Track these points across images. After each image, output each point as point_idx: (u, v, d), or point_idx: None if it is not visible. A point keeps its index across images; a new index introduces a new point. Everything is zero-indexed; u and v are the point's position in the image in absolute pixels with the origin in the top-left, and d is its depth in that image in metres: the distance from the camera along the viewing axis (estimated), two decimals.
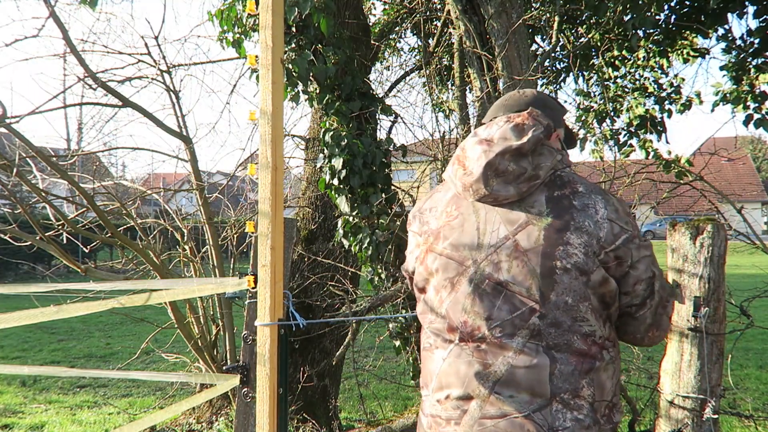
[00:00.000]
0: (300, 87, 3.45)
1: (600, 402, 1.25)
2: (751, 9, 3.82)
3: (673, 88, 5.15)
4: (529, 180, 1.27)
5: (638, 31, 3.99)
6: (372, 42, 4.23)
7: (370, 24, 4.86)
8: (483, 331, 1.26)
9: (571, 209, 1.24)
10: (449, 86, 4.89)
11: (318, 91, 3.42)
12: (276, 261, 1.88)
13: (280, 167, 1.89)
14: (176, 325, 4.22)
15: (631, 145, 5.03)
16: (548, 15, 4.14)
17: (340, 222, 3.57)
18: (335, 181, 3.43)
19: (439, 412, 1.32)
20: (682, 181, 4.22)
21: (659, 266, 1.33)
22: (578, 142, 1.55)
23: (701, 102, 5.01)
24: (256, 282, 1.93)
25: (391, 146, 3.57)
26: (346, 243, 3.56)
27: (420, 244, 1.40)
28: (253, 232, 1.94)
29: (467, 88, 3.69)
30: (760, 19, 3.81)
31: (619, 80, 5.28)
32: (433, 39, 4.37)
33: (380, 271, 3.45)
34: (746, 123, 4.33)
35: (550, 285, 1.22)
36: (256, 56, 1.93)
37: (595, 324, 1.25)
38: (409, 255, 1.47)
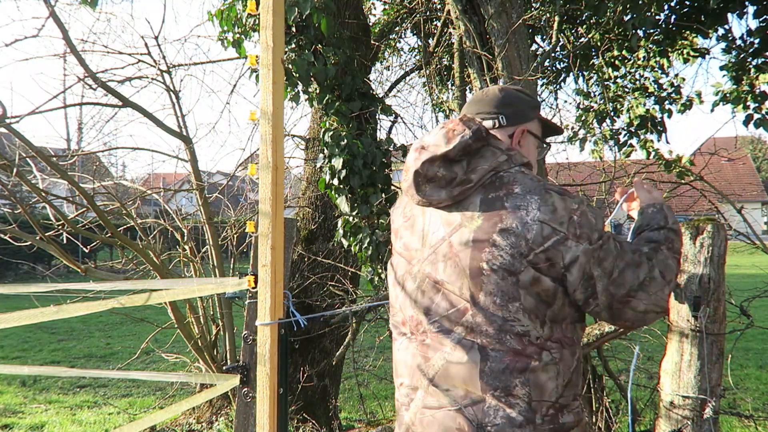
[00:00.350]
0: (300, 87, 3.45)
1: (539, 402, 1.24)
2: (751, 9, 3.82)
3: (673, 88, 5.14)
4: (461, 184, 1.30)
5: (638, 31, 3.99)
6: (372, 42, 4.23)
7: (370, 24, 4.86)
8: (424, 325, 1.34)
9: (501, 211, 1.26)
10: (449, 86, 4.89)
11: (318, 91, 3.42)
12: (276, 261, 1.88)
13: (280, 167, 1.90)
14: (176, 325, 4.22)
15: (631, 145, 5.02)
16: (548, 15, 4.14)
17: (340, 222, 3.57)
18: (335, 181, 3.43)
19: (398, 396, 1.43)
20: (682, 181, 4.22)
21: (618, 263, 1.26)
22: (563, 129, 1.57)
23: (701, 102, 5.01)
24: (256, 282, 1.93)
25: (391, 146, 3.57)
26: (345, 243, 3.56)
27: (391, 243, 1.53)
28: (253, 232, 1.95)
29: (467, 88, 3.69)
30: (760, 19, 3.81)
31: (619, 80, 5.28)
32: (433, 39, 4.37)
33: (380, 271, 3.45)
34: (746, 123, 4.33)
35: (479, 285, 1.25)
36: (257, 56, 1.93)
37: (529, 324, 1.24)
38: None
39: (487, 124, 1.42)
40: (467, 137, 1.30)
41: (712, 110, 4.61)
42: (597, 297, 1.26)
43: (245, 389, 2.01)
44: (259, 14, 1.92)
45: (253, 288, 1.96)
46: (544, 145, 1.54)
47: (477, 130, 1.31)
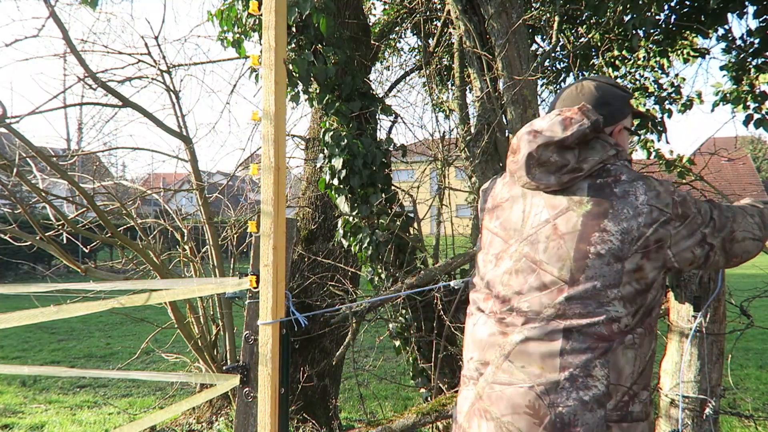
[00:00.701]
0: (300, 87, 3.45)
1: (616, 386, 1.25)
2: (751, 9, 3.82)
3: (673, 88, 5.15)
4: (571, 172, 1.33)
5: (638, 31, 3.99)
6: (372, 42, 4.22)
7: (370, 24, 4.86)
8: (512, 303, 1.34)
9: (612, 197, 1.29)
10: (449, 86, 4.89)
11: (318, 91, 3.42)
12: (278, 261, 1.88)
13: (282, 167, 1.90)
14: (176, 325, 4.22)
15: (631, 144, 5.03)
16: (548, 15, 4.14)
17: (340, 222, 3.57)
18: (335, 181, 3.43)
19: (465, 371, 1.43)
20: (682, 181, 4.22)
21: (714, 221, 1.35)
22: (653, 116, 1.66)
23: (702, 102, 5.01)
24: (257, 282, 1.93)
25: (391, 146, 3.57)
26: (345, 243, 3.56)
27: (481, 221, 1.53)
28: (255, 232, 1.94)
29: (467, 88, 3.69)
30: (760, 19, 3.81)
31: (619, 80, 5.28)
32: (433, 39, 4.37)
33: (380, 271, 3.45)
34: (746, 123, 4.33)
35: (581, 268, 1.27)
36: (259, 56, 1.93)
37: (622, 311, 1.26)
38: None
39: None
40: (585, 127, 1.33)
41: (712, 110, 4.61)
42: (713, 252, 1.33)
43: (246, 389, 2.01)
44: (260, 15, 1.92)
45: (255, 288, 1.95)
46: (634, 137, 1.61)
47: (596, 121, 1.34)
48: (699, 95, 5.03)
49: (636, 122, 4.96)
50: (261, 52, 1.92)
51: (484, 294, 1.43)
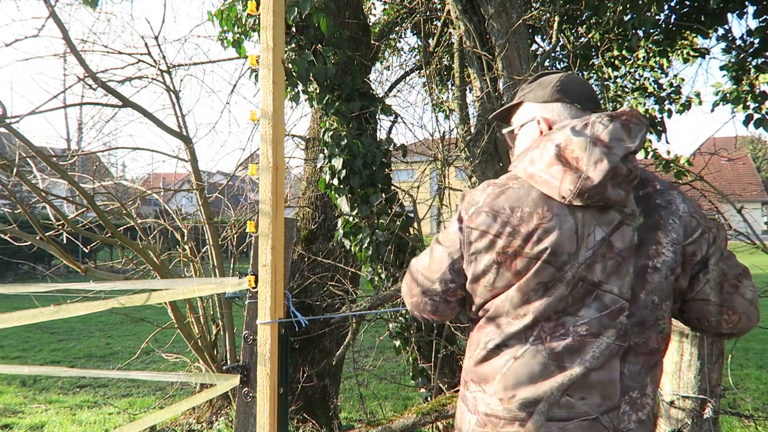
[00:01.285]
0: (300, 87, 3.45)
1: (654, 398, 1.27)
2: (750, 9, 3.82)
3: (673, 88, 5.15)
4: (632, 181, 1.23)
5: (638, 31, 4.00)
6: (372, 42, 4.22)
7: (370, 24, 4.86)
8: (568, 327, 1.23)
9: (659, 208, 1.26)
10: (449, 86, 4.89)
11: (318, 91, 3.42)
12: (277, 261, 1.89)
13: (281, 167, 1.90)
14: (176, 325, 4.22)
15: None
16: (548, 15, 4.14)
17: (340, 222, 3.57)
18: (335, 181, 3.43)
19: (497, 411, 1.27)
20: (681, 181, 4.22)
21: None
22: None
23: (700, 102, 5.01)
24: (256, 282, 1.93)
25: (391, 146, 3.57)
26: (346, 242, 3.56)
27: (496, 246, 1.28)
28: (254, 232, 1.94)
29: (467, 88, 3.69)
30: (760, 19, 3.81)
31: (619, 80, 5.28)
32: (433, 39, 4.37)
33: (380, 271, 3.45)
34: (746, 123, 4.33)
35: (642, 284, 1.23)
36: (258, 57, 1.93)
37: (667, 323, 1.28)
38: (470, 255, 1.32)
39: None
40: (645, 131, 1.25)
41: (712, 110, 4.61)
42: (706, 273, 1.27)
43: (245, 389, 2.01)
44: (259, 15, 1.92)
45: (254, 288, 1.96)
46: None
47: (647, 124, 1.30)
48: (698, 95, 5.03)
49: None
50: (260, 52, 1.92)
51: (521, 325, 1.27)
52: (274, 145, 1.87)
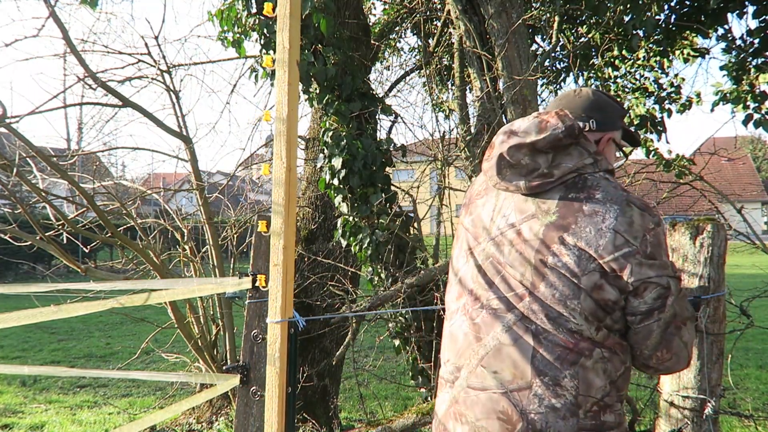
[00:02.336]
0: (300, 87, 3.45)
1: (585, 397, 1.25)
2: (750, 9, 3.82)
3: (673, 88, 5.15)
4: (541, 177, 1.31)
5: (638, 32, 4.00)
6: (372, 42, 4.22)
7: (370, 24, 4.86)
8: (483, 300, 1.34)
9: (578, 213, 1.28)
10: (449, 86, 4.89)
11: (318, 91, 3.42)
12: (288, 260, 1.89)
13: (293, 167, 1.91)
14: (176, 325, 4.22)
15: None
16: (548, 15, 4.14)
17: (339, 222, 3.57)
18: (335, 181, 3.43)
19: (442, 373, 1.43)
20: (682, 181, 4.22)
21: (680, 289, 1.30)
22: (641, 141, 1.58)
23: (700, 102, 5.01)
24: (266, 281, 1.94)
25: (391, 146, 3.57)
26: (344, 242, 3.56)
27: (461, 214, 1.52)
28: (266, 232, 1.95)
29: (467, 88, 3.69)
30: (760, 19, 3.81)
31: (619, 80, 5.28)
32: (433, 39, 4.37)
33: (380, 271, 3.45)
34: (746, 123, 4.33)
35: (540, 276, 1.28)
36: (273, 58, 1.93)
37: (584, 325, 1.25)
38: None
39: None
40: (559, 131, 1.31)
41: (711, 110, 4.62)
42: (663, 308, 1.26)
43: (253, 388, 2.01)
44: (267, 16, 1.93)
45: (264, 287, 1.96)
46: (622, 155, 1.55)
47: (570, 126, 1.32)
48: (698, 95, 5.03)
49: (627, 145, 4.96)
50: (273, 53, 1.92)
51: (457, 291, 1.43)
52: (288, 145, 1.87)
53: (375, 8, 5.72)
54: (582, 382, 1.24)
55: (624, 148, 1.57)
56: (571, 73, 4.99)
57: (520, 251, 1.30)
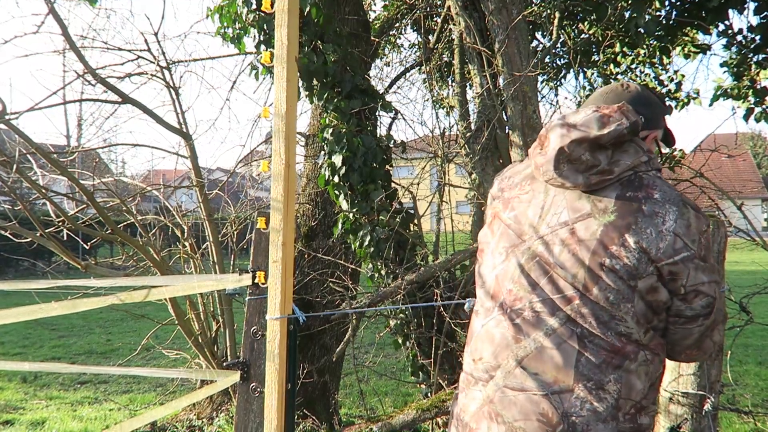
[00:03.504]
0: (300, 84, 3.45)
1: (626, 400, 1.24)
2: (751, 5, 3.82)
3: (673, 84, 5.14)
4: (601, 173, 1.26)
5: (640, 29, 3.99)
6: (372, 38, 4.21)
7: (370, 20, 4.85)
8: (524, 302, 1.29)
9: (638, 213, 1.24)
10: (449, 83, 4.88)
11: (318, 87, 3.41)
12: (287, 256, 1.89)
13: (292, 164, 1.91)
14: (176, 322, 4.22)
15: None
16: (549, 11, 4.13)
17: (340, 219, 3.57)
18: (335, 178, 3.43)
19: (471, 370, 1.38)
20: (682, 178, 4.22)
21: (722, 293, 1.32)
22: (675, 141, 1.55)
23: (699, 101, 5.01)
24: (266, 277, 1.94)
25: (391, 143, 3.57)
26: (336, 234, 3.55)
27: (492, 207, 1.46)
28: (264, 229, 1.95)
29: (467, 84, 3.68)
30: (761, 15, 3.80)
31: (620, 76, 5.27)
32: (433, 35, 4.36)
33: (380, 267, 3.45)
34: (746, 117, 4.34)
35: (595, 279, 1.24)
36: (271, 54, 1.93)
37: (634, 327, 1.24)
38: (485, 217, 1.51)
39: None
40: (623, 127, 1.26)
41: (710, 104, 4.61)
42: (709, 316, 1.28)
43: (253, 384, 2.02)
44: (266, 12, 1.92)
45: (264, 284, 1.96)
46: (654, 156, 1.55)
47: (635, 123, 1.27)
48: (698, 93, 5.02)
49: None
50: (271, 49, 1.92)
51: (492, 289, 1.37)
52: (287, 141, 1.87)
53: (375, 4, 5.71)
54: (625, 386, 1.24)
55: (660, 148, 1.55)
56: (571, 70, 4.98)
57: (573, 252, 1.25)
